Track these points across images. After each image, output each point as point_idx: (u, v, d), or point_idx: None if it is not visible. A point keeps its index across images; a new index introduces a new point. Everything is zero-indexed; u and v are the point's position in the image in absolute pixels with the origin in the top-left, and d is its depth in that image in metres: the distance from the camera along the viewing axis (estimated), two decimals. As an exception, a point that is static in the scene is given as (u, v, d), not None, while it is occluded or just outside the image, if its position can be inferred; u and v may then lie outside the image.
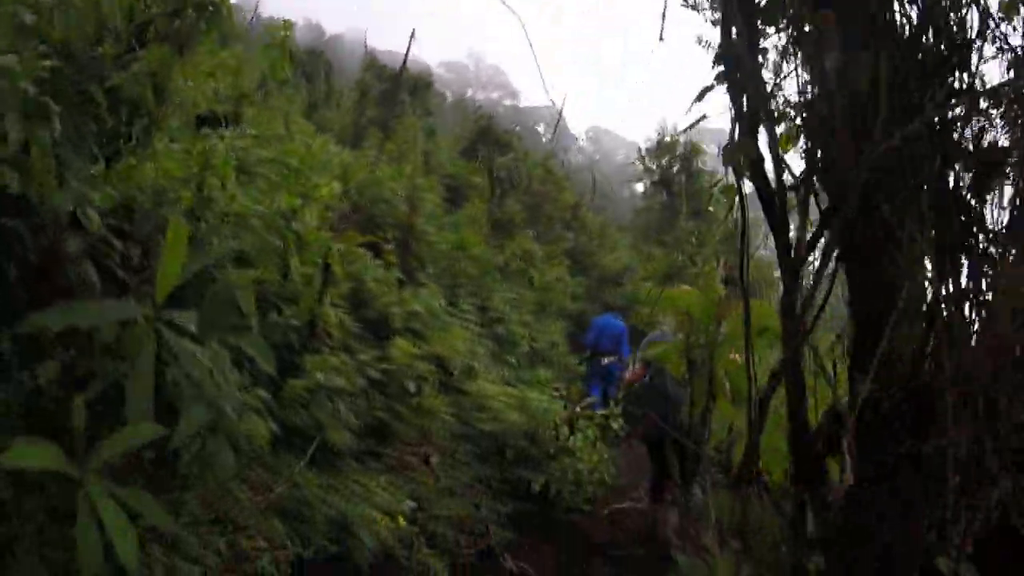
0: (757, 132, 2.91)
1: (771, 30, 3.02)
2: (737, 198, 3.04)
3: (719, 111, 3.03)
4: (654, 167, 27.15)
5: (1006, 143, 2.62)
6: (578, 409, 6.66)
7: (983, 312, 2.59)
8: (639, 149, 28.98)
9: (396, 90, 19.58)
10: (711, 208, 19.81)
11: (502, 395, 6.76)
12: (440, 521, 4.99)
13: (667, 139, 26.06)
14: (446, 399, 6.46)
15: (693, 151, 25.75)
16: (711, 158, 27.24)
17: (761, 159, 2.91)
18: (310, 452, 4.43)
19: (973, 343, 2.56)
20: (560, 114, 33.97)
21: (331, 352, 5.69)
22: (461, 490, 5.65)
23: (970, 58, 2.62)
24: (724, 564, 3.00)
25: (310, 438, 4.63)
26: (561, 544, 5.98)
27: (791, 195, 2.95)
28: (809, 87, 2.95)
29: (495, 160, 14.34)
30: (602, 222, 22.81)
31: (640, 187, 39.00)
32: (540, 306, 13.64)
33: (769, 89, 3.01)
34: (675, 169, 26.17)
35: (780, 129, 2.96)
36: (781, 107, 3.04)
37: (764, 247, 4.93)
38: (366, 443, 5.57)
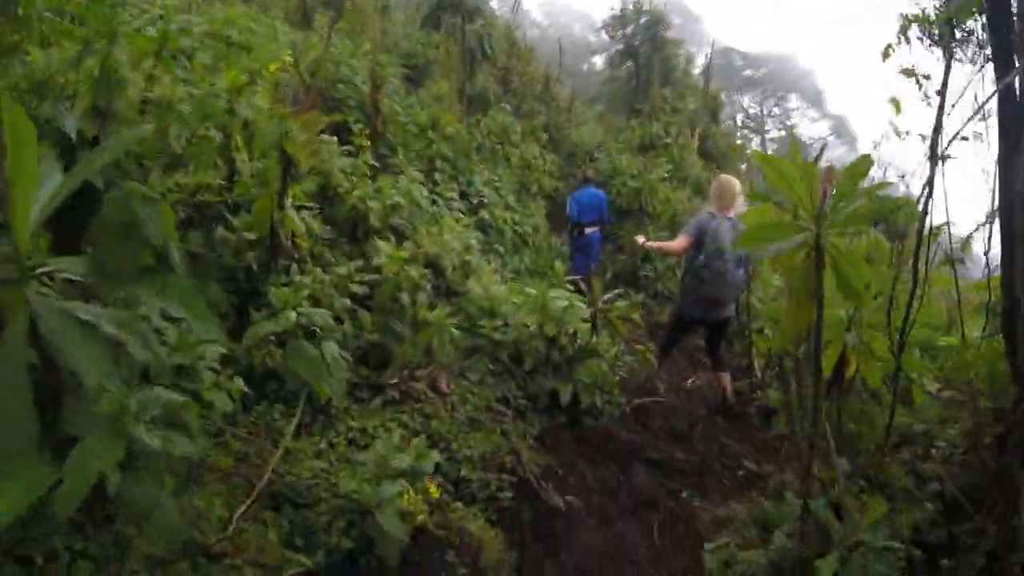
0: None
1: None
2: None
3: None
4: (617, 37, 25.22)
5: None
6: (600, 303, 5.59)
7: None
8: (602, 22, 26.84)
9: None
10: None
11: (514, 295, 5.64)
12: (466, 463, 3.99)
13: (631, 7, 24.04)
14: (446, 307, 5.35)
15: (656, 20, 23.86)
16: (676, 29, 25.45)
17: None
18: (296, 418, 3.31)
19: None
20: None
21: (300, 270, 4.47)
22: (481, 416, 4.64)
23: None
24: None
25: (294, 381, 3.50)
26: (598, 457, 5.09)
27: None
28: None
29: (464, 28, 12.60)
30: (570, 96, 21.15)
31: (600, 61, 36.93)
32: (521, 186, 12.38)
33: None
34: (639, 39, 24.32)
35: None
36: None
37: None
38: (361, 374, 4.48)
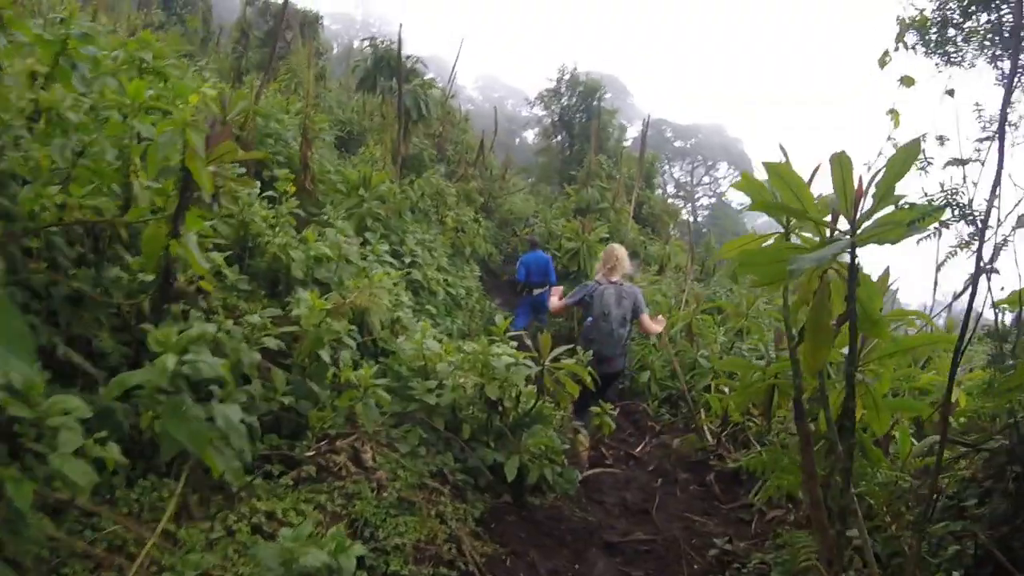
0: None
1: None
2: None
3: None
4: (553, 108, 25.56)
5: None
6: (548, 362, 4.95)
7: None
8: (538, 93, 27.25)
9: (281, 27, 16.79)
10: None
11: (451, 353, 4.94)
12: (396, 555, 3.23)
13: (567, 78, 24.48)
14: (374, 367, 4.63)
15: (592, 90, 24.32)
16: (607, 102, 25.97)
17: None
18: (175, 497, 2.54)
19: None
20: (456, 59, 31.33)
21: (206, 318, 3.73)
22: (414, 496, 3.89)
23: None
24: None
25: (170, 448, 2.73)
26: (549, 542, 4.38)
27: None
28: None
29: (400, 87, 12.20)
30: (504, 164, 21.05)
31: (532, 135, 37.49)
32: (454, 249, 11.83)
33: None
34: (574, 110, 24.70)
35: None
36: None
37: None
38: (271, 444, 3.71)
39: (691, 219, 25.07)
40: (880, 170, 2.38)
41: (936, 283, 5.07)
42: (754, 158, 56.95)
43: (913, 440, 4.26)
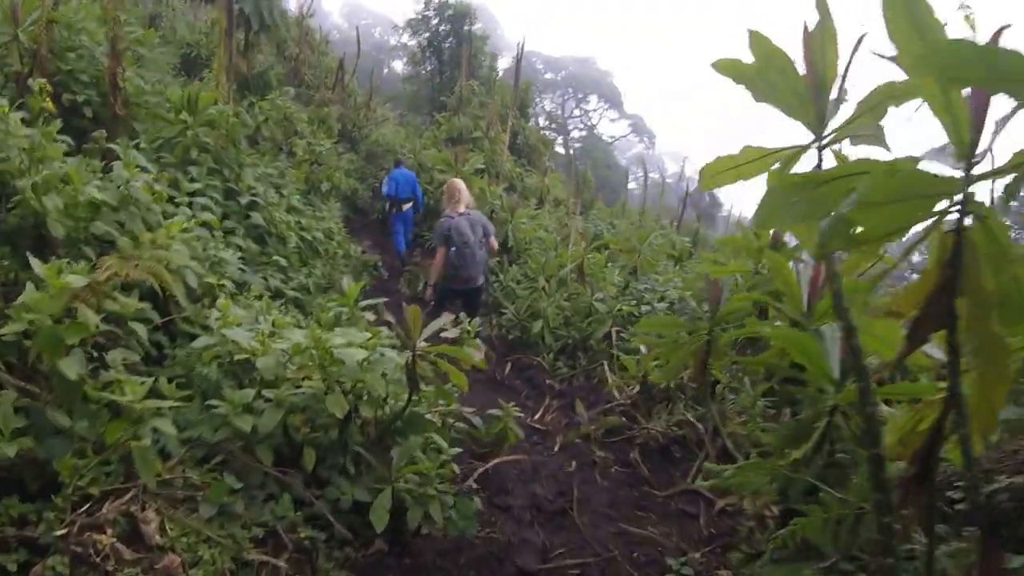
0: None
1: None
2: None
3: None
4: (422, 34, 23.22)
5: None
6: (422, 343, 3.43)
7: None
8: (405, 20, 24.72)
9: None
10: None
11: (283, 341, 3.30)
12: None
13: (435, 1, 22.14)
14: (167, 366, 2.97)
15: (462, 14, 22.17)
16: (480, 28, 23.93)
17: None
18: None
19: None
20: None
21: None
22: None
23: None
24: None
25: None
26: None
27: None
28: None
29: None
30: (369, 91, 18.78)
31: (401, 65, 34.80)
32: (310, 185, 9.93)
33: None
34: (444, 35, 22.49)
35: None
36: None
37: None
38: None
39: (568, 151, 23.86)
40: None
41: None
42: (624, 90, 56.68)
43: None
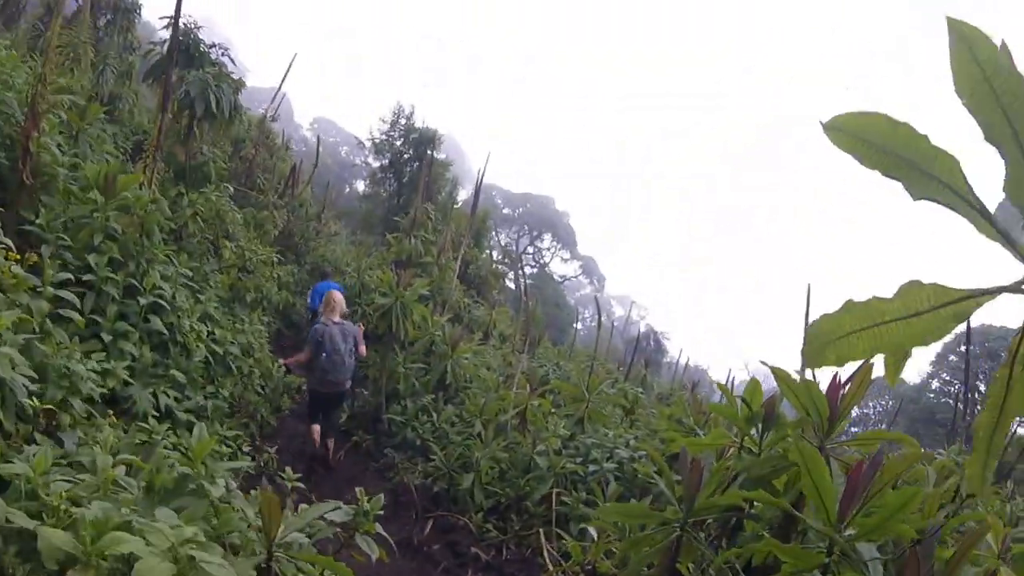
0: None
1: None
2: None
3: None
4: (384, 152, 23.17)
5: None
6: (284, 540, 2.31)
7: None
8: (369, 131, 24.75)
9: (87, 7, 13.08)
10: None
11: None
12: None
13: (402, 121, 22.27)
14: None
15: (428, 138, 22.25)
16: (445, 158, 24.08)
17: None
18: None
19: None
20: (283, 78, 28.20)
21: None
22: None
23: None
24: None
25: None
26: None
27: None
28: None
29: (184, 74, 9.26)
30: (322, 206, 18.19)
31: (363, 185, 34.79)
32: (234, 293, 8.88)
33: None
34: (406, 156, 22.44)
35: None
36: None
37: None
38: None
39: (519, 286, 23.41)
40: None
41: None
42: (579, 231, 57.86)
43: None
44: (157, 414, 5.93)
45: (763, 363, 3.74)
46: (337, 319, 7.77)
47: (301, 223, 15.81)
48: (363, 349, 7.97)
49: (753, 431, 3.47)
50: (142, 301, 6.17)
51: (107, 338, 5.63)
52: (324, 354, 7.54)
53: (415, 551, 5.83)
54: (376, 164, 24.51)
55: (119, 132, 10.89)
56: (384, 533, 3.63)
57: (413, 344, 9.63)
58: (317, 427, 7.88)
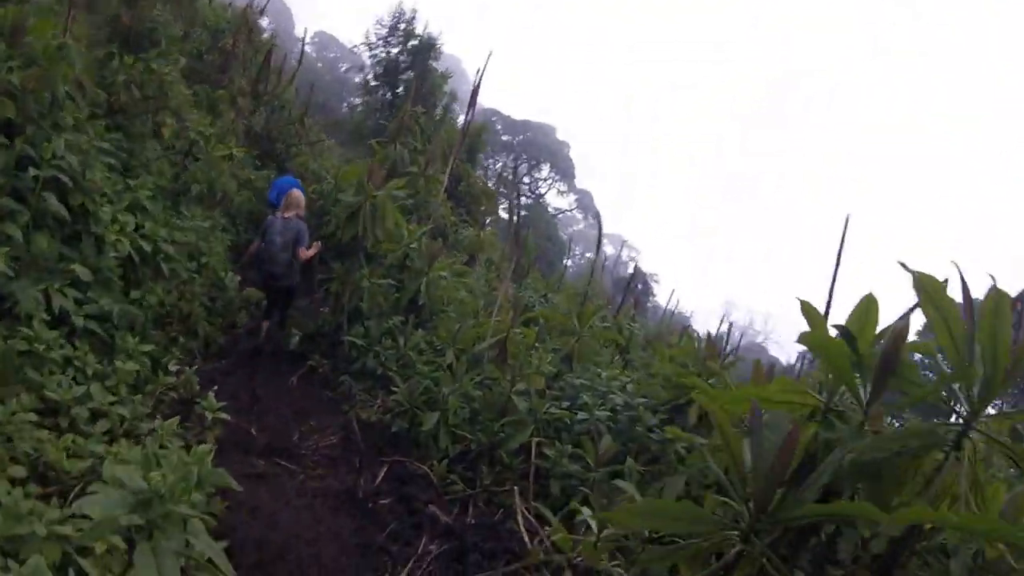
0: None
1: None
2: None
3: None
4: (378, 56, 21.27)
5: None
6: None
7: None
8: (366, 33, 22.72)
9: None
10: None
11: None
12: None
13: (402, 26, 20.30)
14: None
15: (426, 47, 20.38)
16: (443, 62, 22.22)
17: None
18: None
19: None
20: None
21: None
22: None
23: None
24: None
25: None
26: None
27: None
28: None
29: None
30: (304, 103, 16.46)
31: (359, 101, 32.79)
32: (181, 185, 7.50)
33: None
34: (403, 65, 20.60)
35: None
36: None
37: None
38: None
39: (514, 215, 21.91)
40: None
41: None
42: (578, 162, 55.79)
43: None
44: (48, 318, 4.70)
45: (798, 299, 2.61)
46: (289, 215, 7.66)
47: (282, 126, 14.26)
48: (304, 251, 7.63)
49: (858, 385, 2.24)
50: (36, 173, 4.82)
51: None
52: (263, 243, 7.62)
53: (357, 506, 4.68)
54: (371, 74, 22.62)
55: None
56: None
57: (385, 257, 8.35)
58: (266, 323, 7.87)
